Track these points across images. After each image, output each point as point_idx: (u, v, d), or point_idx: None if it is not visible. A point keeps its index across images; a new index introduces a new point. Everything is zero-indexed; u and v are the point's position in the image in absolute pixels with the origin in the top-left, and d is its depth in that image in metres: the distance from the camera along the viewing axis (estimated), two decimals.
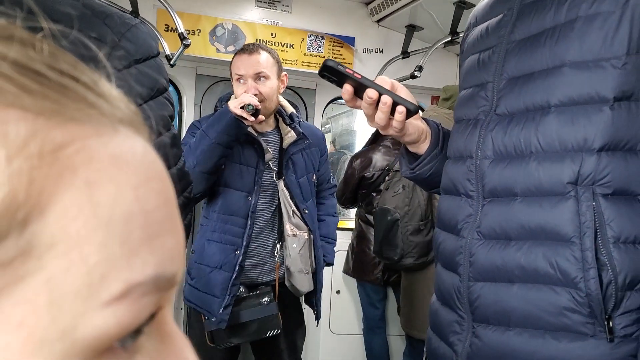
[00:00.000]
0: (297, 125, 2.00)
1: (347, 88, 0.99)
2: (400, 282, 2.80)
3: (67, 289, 0.21)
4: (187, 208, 1.10)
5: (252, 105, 1.75)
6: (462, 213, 0.99)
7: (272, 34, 2.96)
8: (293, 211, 1.96)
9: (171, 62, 2.53)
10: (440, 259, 1.08)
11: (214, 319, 1.84)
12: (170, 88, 3.08)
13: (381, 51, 3.17)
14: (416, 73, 2.81)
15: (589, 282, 0.81)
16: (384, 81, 1.00)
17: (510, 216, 0.90)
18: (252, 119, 1.76)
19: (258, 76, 1.85)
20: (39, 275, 0.21)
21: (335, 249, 2.30)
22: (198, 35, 2.81)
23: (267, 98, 1.85)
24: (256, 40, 2.91)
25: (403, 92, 1.01)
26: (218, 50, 2.86)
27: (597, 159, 0.82)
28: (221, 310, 1.83)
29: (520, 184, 0.89)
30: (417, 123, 1.06)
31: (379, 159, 2.94)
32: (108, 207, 0.22)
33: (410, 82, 2.86)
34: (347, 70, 0.98)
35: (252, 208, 1.89)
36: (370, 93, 0.96)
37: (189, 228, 1.13)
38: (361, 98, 1.00)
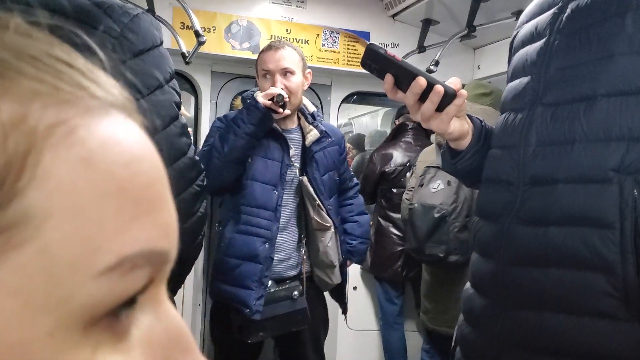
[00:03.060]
0: (319, 124, 2.05)
1: (389, 78, 0.98)
2: (421, 277, 2.77)
3: (62, 259, 0.22)
4: (200, 196, 1.10)
5: (283, 96, 1.83)
6: (502, 199, 1.01)
7: (287, 30, 2.96)
8: (318, 205, 1.99)
9: (187, 60, 2.54)
10: (477, 246, 1.10)
11: (248, 310, 1.86)
12: (187, 85, 3.10)
13: (397, 46, 3.14)
14: (433, 67, 2.78)
15: (627, 268, 0.82)
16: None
17: (551, 202, 0.91)
18: (281, 110, 1.85)
19: (284, 71, 1.91)
20: (35, 244, 0.22)
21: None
22: (213, 32, 2.82)
23: (292, 93, 1.91)
24: (271, 37, 2.92)
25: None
26: (233, 47, 2.87)
27: None
28: (255, 302, 1.87)
29: (562, 170, 0.91)
30: (460, 122, 1.07)
31: (399, 154, 2.94)
32: (101, 183, 0.24)
33: None
34: (389, 54, 0.95)
35: (279, 201, 1.94)
36: (421, 82, 0.95)
37: (205, 217, 1.13)
38: (401, 89, 0.98)
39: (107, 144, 0.24)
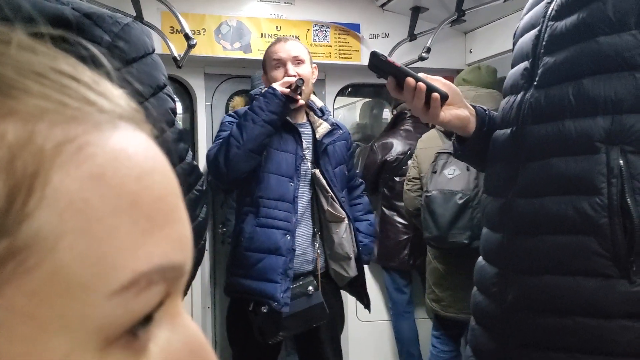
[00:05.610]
0: (329, 117, 2.08)
1: (390, 80, 1.12)
2: (428, 265, 2.75)
3: (75, 280, 0.22)
4: (200, 201, 1.10)
5: (303, 80, 1.86)
6: (504, 175, 1.11)
7: (277, 27, 2.95)
8: (331, 197, 2.00)
9: (179, 64, 2.54)
10: (486, 221, 1.20)
11: (276, 304, 1.85)
12: (181, 89, 3.10)
13: (388, 36, 3.14)
14: (424, 55, 2.78)
15: (615, 229, 0.91)
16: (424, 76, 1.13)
17: (546, 174, 1.01)
18: (299, 97, 1.88)
19: (295, 60, 1.94)
20: (48, 267, 0.21)
21: None
22: (203, 34, 2.81)
23: (305, 81, 1.92)
24: (261, 35, 2.91)
25: (438, 83, 1.13)
26: (224, 47, 2.86)
27: (625, 119, 0.91)
28: (282, 294, 1.86)
29: (555, 145, 1.00)
30: (456, 112, 1.16)
31: (399, 143, 2.94)
32: (113, 199, 0.23)
33: (419, 64, 2.83)
34: (388, 60, 1.11)
35: (296, 192, 1.95)
36: (410, 81, 1.09)
37: (206, 223, 1.13)
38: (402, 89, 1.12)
39: (118, 159, 0.24)
